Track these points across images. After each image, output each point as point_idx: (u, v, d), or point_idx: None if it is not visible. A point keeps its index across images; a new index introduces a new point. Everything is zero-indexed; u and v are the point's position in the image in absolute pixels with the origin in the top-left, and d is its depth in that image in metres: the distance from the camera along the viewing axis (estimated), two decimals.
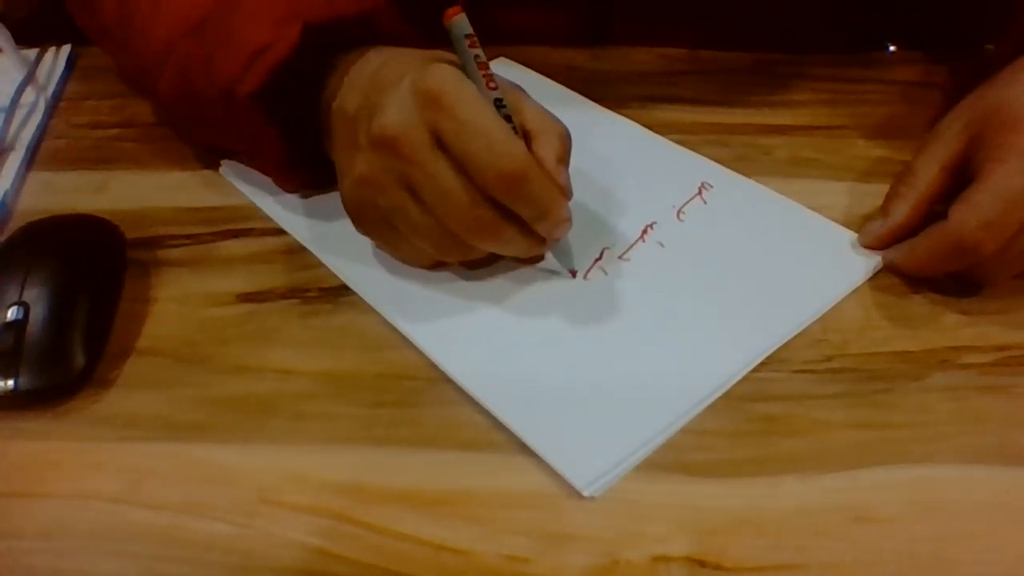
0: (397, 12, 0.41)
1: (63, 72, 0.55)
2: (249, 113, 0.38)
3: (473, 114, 0.32)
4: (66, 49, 0.57)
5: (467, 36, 0.33)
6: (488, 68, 0.34)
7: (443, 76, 0.32)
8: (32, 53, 0.56)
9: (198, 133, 0.47)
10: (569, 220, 0.35)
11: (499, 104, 0.34)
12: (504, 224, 0.34)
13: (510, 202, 0.33)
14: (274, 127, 0.39)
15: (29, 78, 0.53)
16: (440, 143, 0.33)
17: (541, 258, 0.39)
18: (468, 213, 0.33)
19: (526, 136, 0.35)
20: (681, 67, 0.55)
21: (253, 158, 0.44)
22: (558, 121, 0.36)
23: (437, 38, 0.35)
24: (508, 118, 0.34)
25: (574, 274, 0.39)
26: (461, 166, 0.33)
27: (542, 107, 0.36)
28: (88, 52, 0.57)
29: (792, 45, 0.55)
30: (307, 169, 0.42)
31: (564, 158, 0.35)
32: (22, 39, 0.55)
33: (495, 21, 0.36)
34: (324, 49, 0.39)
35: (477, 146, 0.32)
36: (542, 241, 0.36)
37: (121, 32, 0.44)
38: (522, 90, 0.36)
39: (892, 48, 0.58)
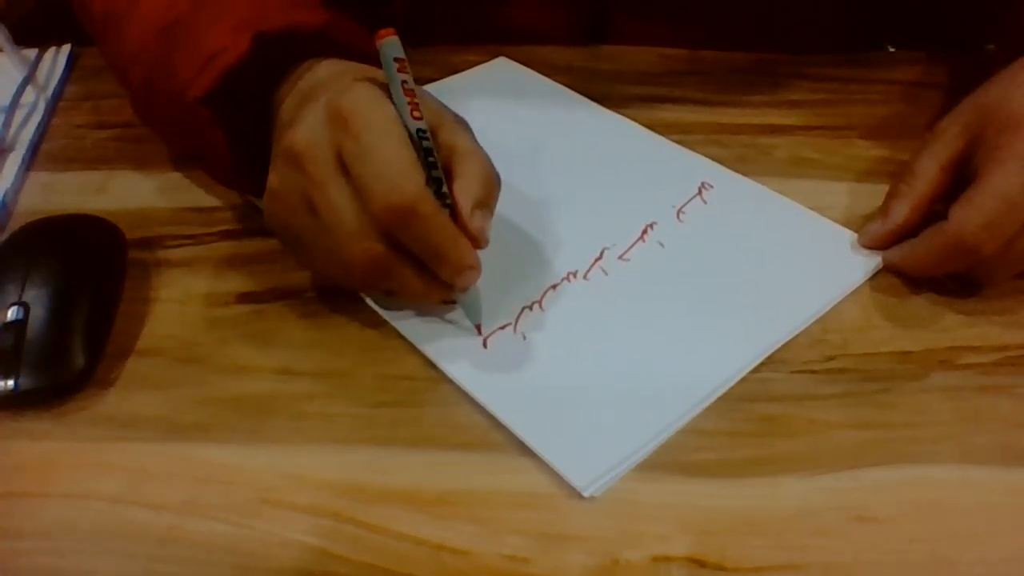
0: (356, 26, 0.40)
1: (63, 72, 0.55)
2: (199, 117, 0.37)
3: (376, 139, 0.31)
4: (66, 49, 0.57)
5: (397, 60, 0.32)
6: (415, 95, 0.32)
7: (359, 96, 0.32)
8: (32, 53, 0.56)
9: (160, 135, 0.46)
10: (475, 269, 0.33)
11: (421, 135, 0.32)
12: (396, 262, 0.33)
13: (402, 238, 0.32)
14: (223, 132, 0.38)
15: (29, 78, 0.53)
16: (343, 164, 0.32)
17: (451, 304, 0.37)
18: (358, 243, 0.32)
19: (448, 174, 0.33)
20: (681, 67, 0.55)
21: (204, 163, 0.43)
22: (490, 164, 0.34)
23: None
24: (429, 151, 0.32)
25: (479, 329, 0.36)
26: (357, 192, 0.31)
27: (478, 148, 0.34)
28: (88, 52, 0.57)
29: (792, 45, 0.55)
30: (257, 178, 0.38)
31: (485, 203, 0.34)
32: (22, 39, 0.55)
33: (495, 18, 0.36)
34: (278, 59, 0.38)
35: (371, 172, 0.31)
36: (446, 287, 0.34)
37: (104, 30, 0.44)
38: (465, 125, 0.35)
39: (892, 48, 0.58)
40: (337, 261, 0.33)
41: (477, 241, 0.33)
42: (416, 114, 0.32)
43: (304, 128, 0.32)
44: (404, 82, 0.32)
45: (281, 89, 0.38)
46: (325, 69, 0.37)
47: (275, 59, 0.38)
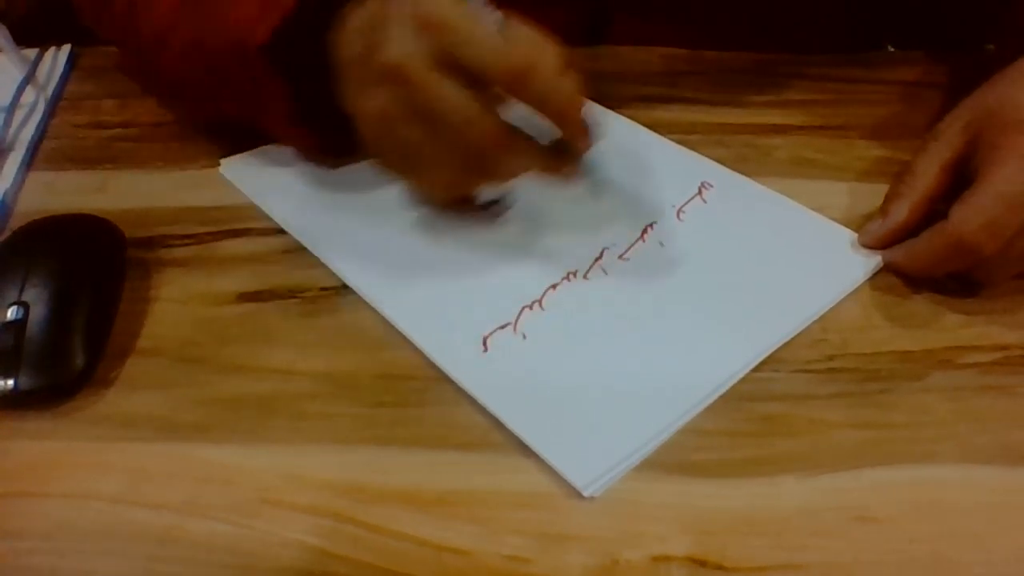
0: None
1: (63, 72, 0.55)
2: (260, 65, 0.38)
3: (472, 26, 0.33)
4: (66, 49, 0.57)
5: None
6: None
7: (439, 2, 0.33)
8: (32, 53, 0.56)
9: (202, 98, 0.47)
10: (595, 125, 0.36)
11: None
12: (521, 136, 0.35)
13: (524, 98, 0.34)
14: (284, 78, 0.39)
15: (29, 78, 0.53)
16: (446, 65, 0.33)
17: (575, 172, 0.38)
18: (481, 124, 0.34)
19: None
20: (681, 67, 0.55)
21: (261, 116, 0.43)
22: (551, 40, 0.36)
23: None
24: None
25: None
26: (469, 80, 0.33)
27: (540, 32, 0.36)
28: (88, 52, 0.57)
29: (792, 45, 0.55)
30: (316, 128, 0.42)
31: (567, 70, 0.35)
32: (22, 39, 0.55)
33: None
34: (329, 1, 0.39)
35: (479, 51, 0.33)
36: (563, 156, 0.37)
37: (130, 8, 0.44)
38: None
39: (892, 48, 0.58)
40: (456, 157, 0.35)
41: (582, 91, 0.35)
42: (491, 4, 0.34)
43: (395, 45, 0.33)
44: None
45: (336, 29, 0.38)
46: (375, 2, 0.37)
47: (330, 2, 0.38)
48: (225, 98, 0.44)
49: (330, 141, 0.42)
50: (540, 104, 0.34)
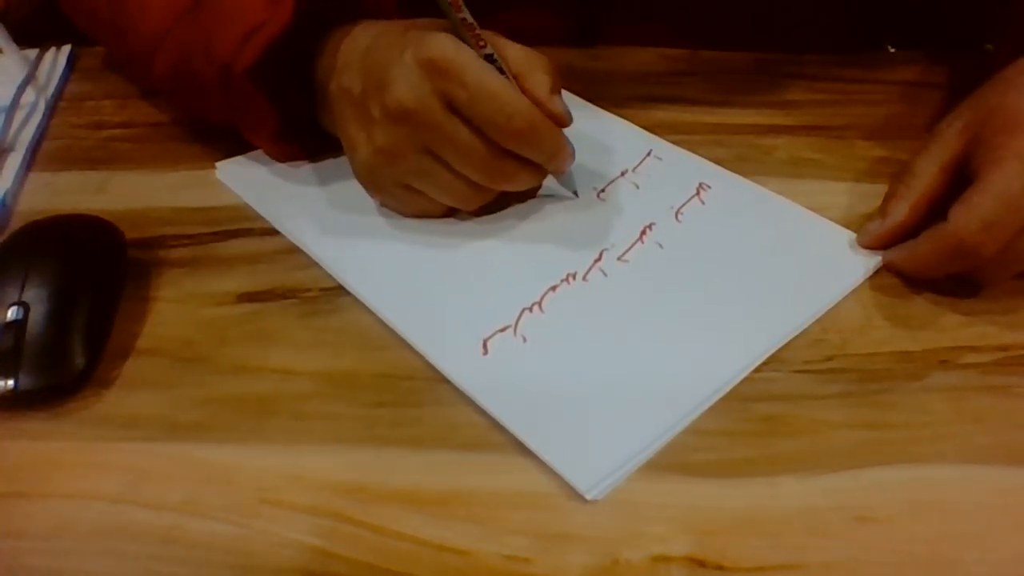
0: None
1: (63, 72, 0.55)
2: (245, 88, 0.40)
3: (479, 78, 0.35)
4: (66, 49, 0.57)
5: (452, 2, 0.35)
6: (476, 28, 0.36)
7: (442, 45, 0.35)
8: (32, 53, 0.56)
9: (194, 108, 0.48)
10: (573, 152, 0.39)
11: (491, 59, 0.36)
12: (520, 168, 0.38)
13: (525, 152, 0.37)
14: (268, 100, 0.41)
15: (29, 78, 0.53)
16: (451, 107, 0.36)
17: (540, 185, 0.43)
18: (487, 164, 0.37)
19: (515, 78, 0.37)
20: (681, 67, 0.55)
21: (247, 131, 0.45)
22: (540, 56, 0.38)
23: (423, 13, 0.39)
24: (500, 70, 0.36)
25: (576, 194, 0.43)
26: (476, 127, 0.36)
27: (522, 46, 0.38)
28: (88, 52, 0.57)
29: (792, 45, 0.55)
30: (298, 140, 0.44)
31: (556, 87, 0.38)
32: (22, 39, 0.55)
33: (492, 21, 0.37)
34: (315, 26, 0.41)
35: (490, 109, 0.35)
36: (545, 172, 0.40)
37: (114, 18, 0.45)
38: (501, 36, 0.38)
39: (892, 48, 0.58)
40: (460, 187, 0.39)
41: (563, 120, 0.38)
42: (481, 43, 0.36)
43: (404, 86, 0.35)
44: (463, 19, 0.36)
45: (321, 54, 0.41)
46: (365, 33, 0.40)
47: (313, 26, 0.41)
48: (212, 112, 0.45)
49: (316, 149, 0.45)
50: (536, 155, 0.38)
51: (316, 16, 0.40)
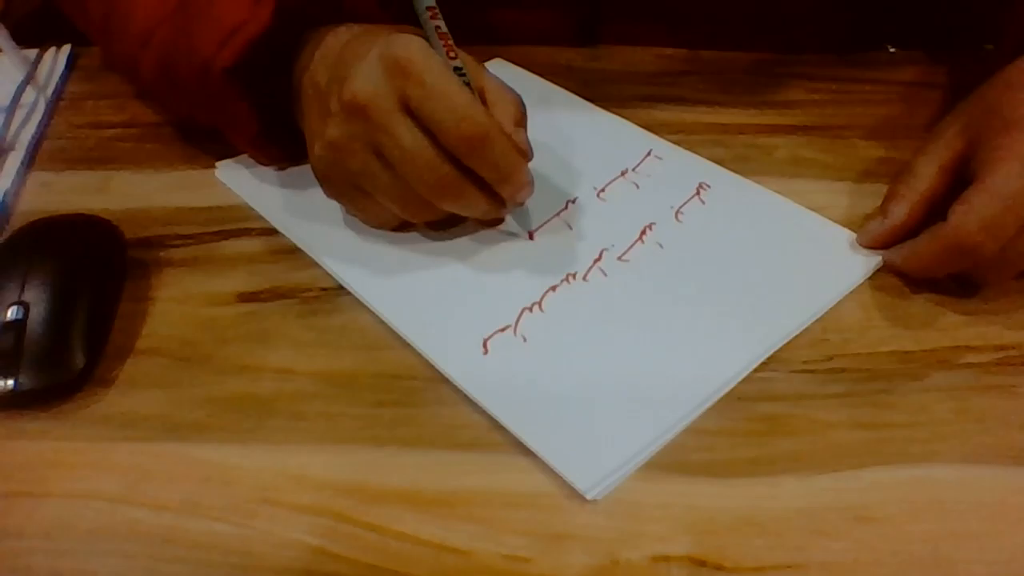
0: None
1: (63, 72, 0.55)
2: (225, 88, 0.40)
3: (438, 80, 0.34)
4: (66, 49, 0.57)
5: (429, 8, 0.35)
6: (449, 39, 0.35)
7: (409, 45, 0.34)
8: (32, 53, 0.56)
9: (181, 109, 0.48)
10: (530, 184, 0.37)
11: (459, 72, 0.36)
12: (466, 184, 0.36)
13: (473, 163, 0.35)
14: (248, 101, 0.41)
15: (29, 78, 0.53)
16: (407, 108, 0.34)
17: (500, 220, 0.42)
18: (432, 172, 0.35)
19: (484, 103, 0.37)
20: (681, 67, 0.55)
21: (229, 132, 0.45)
22: (513, 90, 0.38)
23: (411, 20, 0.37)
24: (468, 85, 0.36)
25: (531, 236, 0.41)
26: (427, 129, 0.34)
27: (498, 78, 0.38)
28: (88, 52, 0.57)
29: (792, 45, 0.55)
30: (280, 143, 0.44)
31: (521, 121, 0.38)
32: (22, 39, 0.55)
33: (491, 20, 0.37)
34: (297, 27, 0.41)
35: (442, 109, 0.34)
36: (502, 203, 0.38)
37: (104, 19, 0.45)
38: (480, 63, 0.38)
39: (892, 48, 0.58)
40: (405, 194, 0.37)
41: (524, 154, 0.37)
42: (452, 54, 0.36)
43: (362, 80, 0.34)
44: (438, 27, 0.35)
45: (303, 55, 0.40)
46: (347, 32, 0.39)
47: (296, 27, 0.40)
48: (197, 113, 0.45)
49: (298, 153, 0.43)
50: (484, 170, 0.36)
51: (298, 17, 0.40)
